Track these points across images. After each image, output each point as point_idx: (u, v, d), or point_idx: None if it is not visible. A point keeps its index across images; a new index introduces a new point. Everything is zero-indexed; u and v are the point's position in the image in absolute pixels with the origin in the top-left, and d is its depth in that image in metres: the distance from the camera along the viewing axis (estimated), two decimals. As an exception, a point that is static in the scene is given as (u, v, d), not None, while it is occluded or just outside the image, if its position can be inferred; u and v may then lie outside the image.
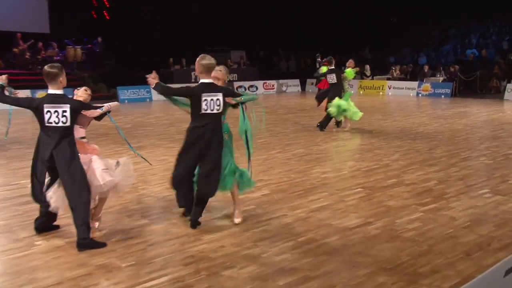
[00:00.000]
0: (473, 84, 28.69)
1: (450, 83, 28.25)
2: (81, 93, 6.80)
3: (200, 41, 33.28)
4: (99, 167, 6.40)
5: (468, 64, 29.59)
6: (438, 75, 29.88)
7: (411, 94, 29.10)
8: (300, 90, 33.46)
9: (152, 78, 6.57)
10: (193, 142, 6.55)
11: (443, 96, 27.74)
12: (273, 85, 32.82)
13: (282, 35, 38.67)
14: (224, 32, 36.78)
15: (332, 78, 15.07)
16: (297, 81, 34.12)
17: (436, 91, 28.42)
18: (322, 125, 15.24)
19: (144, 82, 7.07)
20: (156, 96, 26.08)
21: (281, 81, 33.45)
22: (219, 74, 6.88)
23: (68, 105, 6.06)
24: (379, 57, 36.95)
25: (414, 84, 29.57)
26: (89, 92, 6.90)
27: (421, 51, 36.07)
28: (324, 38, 37.65)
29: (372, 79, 32.39)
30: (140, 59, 31.25)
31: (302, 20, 39.47)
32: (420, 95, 28.84)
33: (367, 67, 32.93)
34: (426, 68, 30.96)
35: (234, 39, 36.51)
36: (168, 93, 6.68)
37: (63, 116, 6.04)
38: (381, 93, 30.50)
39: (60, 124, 6.04)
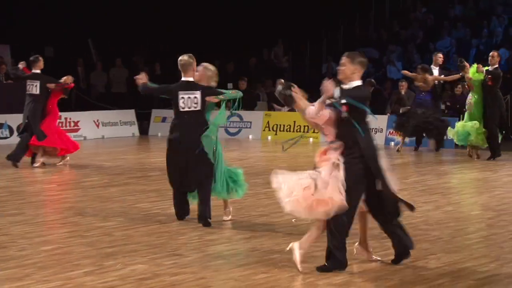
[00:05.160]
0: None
1: (454, 119, 15.26)
2: None
3: None
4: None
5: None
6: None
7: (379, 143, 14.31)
8: (136, 133, 19.62)
9: (140, 79, 7.77)
10: (174, 146, 7.74)
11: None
12: (97, 121, 18.66)
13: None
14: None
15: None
16: (130, 113, 19.63)
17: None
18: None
19: None
20: None
21: (96, 113, 18.98)
22: (196, 75, 7.79)
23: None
24: (306, 61, 22.07)
25: (381, 120, 16.10)
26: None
27: (392, 51, 21.21)
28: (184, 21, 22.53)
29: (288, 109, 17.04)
30: None
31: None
32: (392, 143, 16.14)
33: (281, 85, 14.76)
34: (403, 86, 16.08)
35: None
36: (149, 93, 8.24)
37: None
38: (310, 139, 17.06)
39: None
